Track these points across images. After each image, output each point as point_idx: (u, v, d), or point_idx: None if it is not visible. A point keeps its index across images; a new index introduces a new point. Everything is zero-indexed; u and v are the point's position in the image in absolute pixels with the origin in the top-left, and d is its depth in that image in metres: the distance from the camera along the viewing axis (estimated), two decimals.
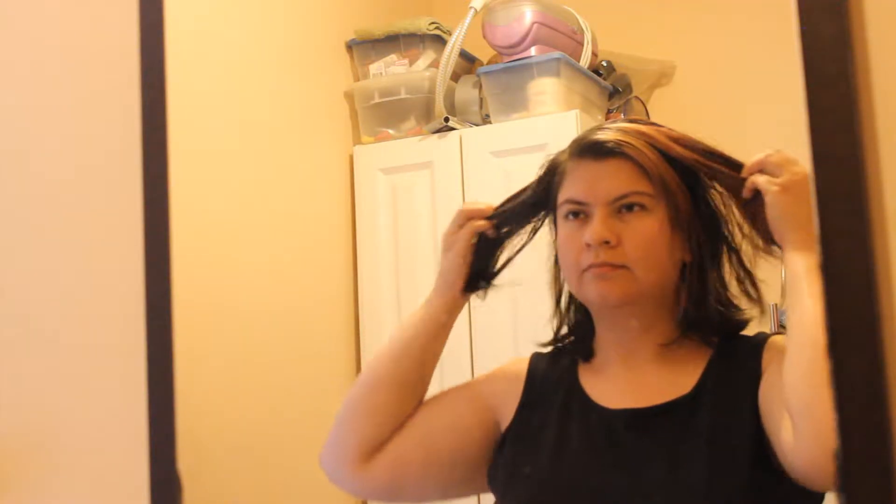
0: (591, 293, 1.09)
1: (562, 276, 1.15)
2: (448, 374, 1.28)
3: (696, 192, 1.10)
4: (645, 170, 1.07)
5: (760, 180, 1.05)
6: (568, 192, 1.11)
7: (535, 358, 1.18)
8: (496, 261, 1.18)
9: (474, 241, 1.16)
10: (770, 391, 1.02)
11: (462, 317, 1.71)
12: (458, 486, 1.22)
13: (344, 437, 1.17)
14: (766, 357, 1.05)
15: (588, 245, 1.07)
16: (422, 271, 1.88)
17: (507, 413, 1.15)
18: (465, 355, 1.86)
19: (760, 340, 1.08)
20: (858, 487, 0.80)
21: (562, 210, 1.11)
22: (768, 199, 1.04)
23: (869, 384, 0.80)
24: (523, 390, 1.15)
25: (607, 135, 1.10)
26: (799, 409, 0.94)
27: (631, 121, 1.15)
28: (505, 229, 1.17)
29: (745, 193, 1.07)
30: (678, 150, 1.09)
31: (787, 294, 1.02)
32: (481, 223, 1.16)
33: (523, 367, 1.17)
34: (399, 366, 1.16)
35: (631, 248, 1.06)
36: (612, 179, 1.08)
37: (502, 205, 1.17)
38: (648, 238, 1.07)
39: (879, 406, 0.79)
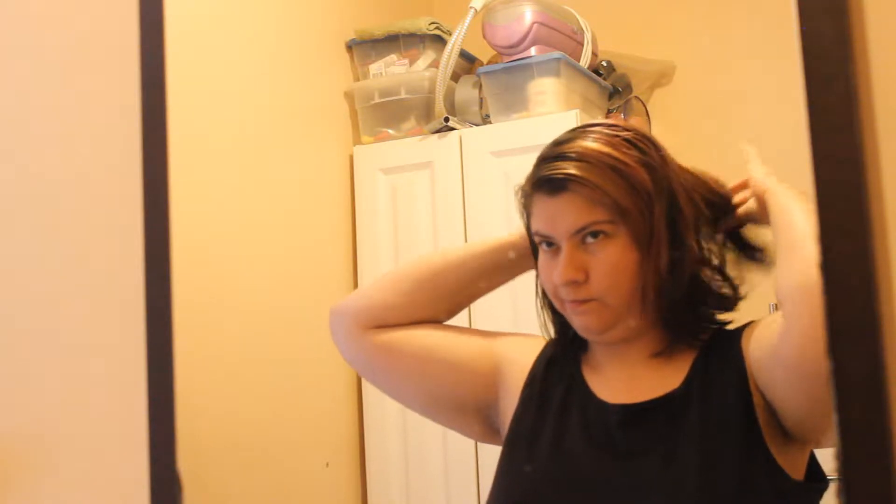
0: (576, 326, 1.12)
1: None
2: None
3: (658, 201, 1.08)
4: (598, 197, 1.06)
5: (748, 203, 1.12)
6: (535, 224, 1.12)
7: (550, 343, 1.19)
8: None
9: None
10: (756, 337, 1.05)
11: (462, 317, 1.72)
12: (440, 411, 1.26)
13: (357, 297, 1.26)
14: (745, 339, 1.07)
15: (557, 283, 1.09)
16: None
17: (509, 386, 1.17)
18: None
19: (739, 330, 1.09)
20: (858, 487, 0.80)
21: (535, 238, 1.13)
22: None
23: (869, 384, 0.80)
24: (529, 373, 1.16)
25: (558, 168, 1.09)
26: (789, 293, 0.98)
27: (593, 133, 1.11)
28: None
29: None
30: (639, 174, 1.08)
31: (773, 214, 1.07)
32: None
33: (538, 348, 1.19)
34: (454, 274, 1.21)
35: (597, 281, 1.07)
36: (568, 214, 1.08)
37: None
38: (614, 267, 1.07)
39: (879, 406, 0.79)
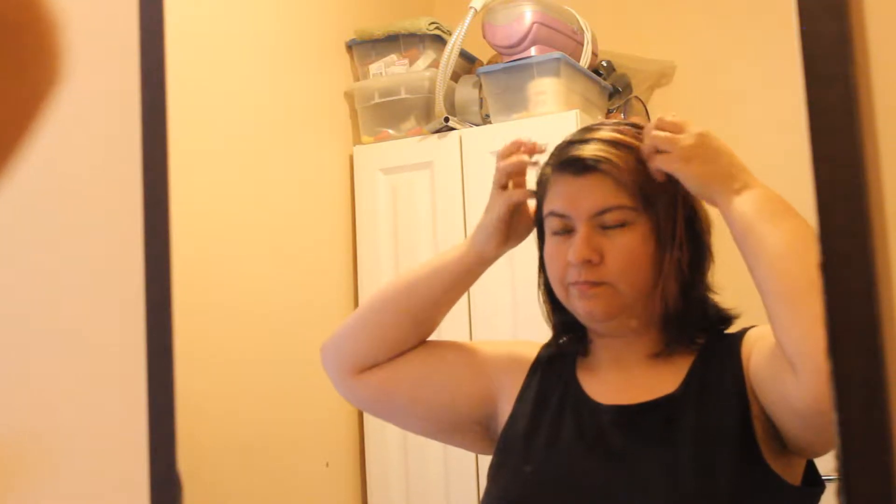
0: (578, 310, 1.10)
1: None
2: None
3: (681, 194, 1.09)
4: (624, 182, 1.07)
5: (660, 164, 1.05)
6: (551, 204, 1.11)
7: (543, 349, 1.19)
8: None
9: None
10: (761, 360, 1.03)
11: (462, 315, 1.71)
12: (440, 433, 1.27)
13: (342, 345, 1.21)
14: (746, 347, 1.06)
15: (571, 262, 1.07)
16: None
17: (506, 395, 1.16)
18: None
19: (739, 336, 1.09)
20: (858, 487, 0.80)
21: (548, 222, 1.12)
22: (677, 177, 1.05)
23: (869, 384, 0.80)
24: (524, 379, 1.16)
25: (587, 150, 1.09)
26: (793, 351, 0.95)
27: (618, 126, 1.13)
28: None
29: (658, 177, 1.06)
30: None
31: (743, 248, 1.00)
32: (521, 196, 1.15)
33: (532, 354, 1.18)
34: (411, 297, 1.18)
35: (613, 265, 1.06)
36: (592, 195, 1.08)
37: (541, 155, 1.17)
38: (631, 253, 1.07)
39: (879, 406, 0.79)
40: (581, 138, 1.12)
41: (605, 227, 1.07)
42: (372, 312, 1.21)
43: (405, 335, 1.18)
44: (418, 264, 1.24)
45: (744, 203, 1.01)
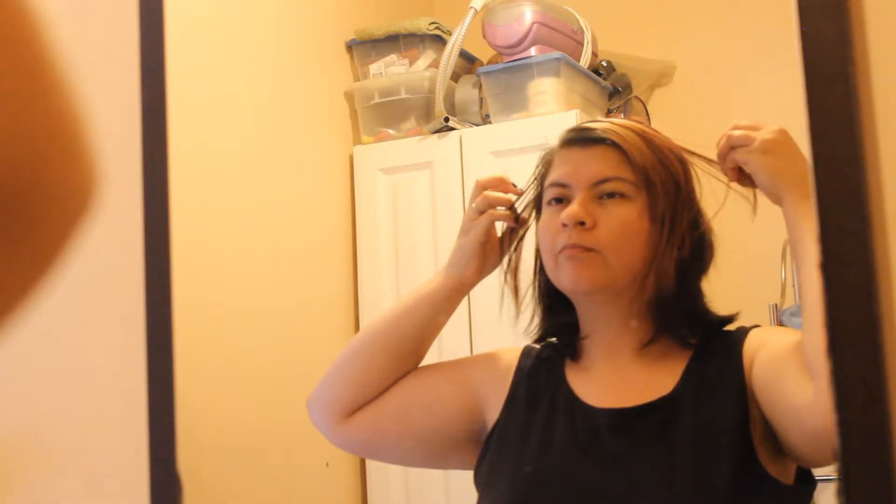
0: (564, 276, 1.09)
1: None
2: None
3: (685, 190, 1.10)
4: (628, 157, 1.08)
5: (736, 155, 1.05)
6: (553, 176, 1.13)
7: (526, 351, 1.18)
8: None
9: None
10: (770, 368, 1.02)
11: (462, 313, 1.71)
12: (436, 459, 1.26)
13: (327, 392, 1.20)
14: (748, 349, 1.05)
15: (564, 225, 1.07)
16: (422, 271, 1.88)
17: (493, 403, 1.15)
18: (465, 351, 1.86)
19: (740, 336, 1.08)
20: (858, 487, 0.80)
21: (546, 194, 1.13)
22: (750, 168, 1.04)
23: (869, 384, 0.80)
24: (511, 384, 1.15)
25: (596, 124, 1.14)
26: (815, 358, 0.92)
27: (630, 118, 1.18)
28: (524, 218, 1.19)
29: (730, 176, 1.07)
30: (669, 144, 1.11)
31: (794, 253, 1.01)
32: (502, 213, 1.17)
33: (514, 359, 1.18)
34: (393, 334, 1.18)
35: (605, 232, 1.07)
36: (595, 164, 1.10)
37: (523, 194, 1.19)
38: (624, 224, 1.07)
39: (879, 406, 0.79)
40: (592, 119, 1.18)
41: (601, 198, 1.08)
42: (355, 356, 1.20)
43: (390, 373, 1.17)
44: (394, 303, 1.23)
45: (805, 209, 0.98)
